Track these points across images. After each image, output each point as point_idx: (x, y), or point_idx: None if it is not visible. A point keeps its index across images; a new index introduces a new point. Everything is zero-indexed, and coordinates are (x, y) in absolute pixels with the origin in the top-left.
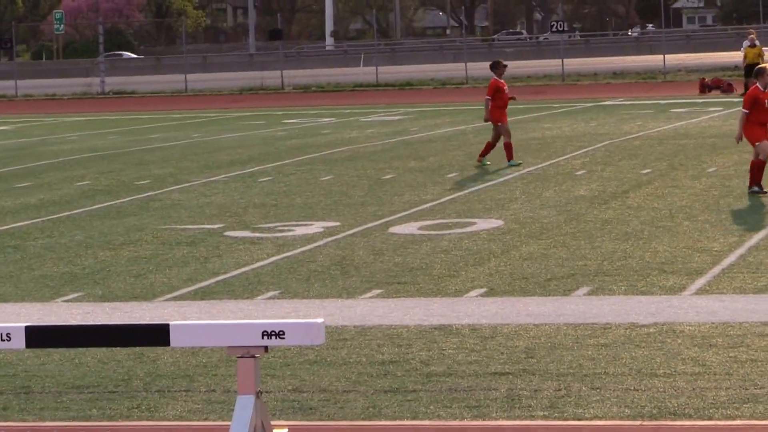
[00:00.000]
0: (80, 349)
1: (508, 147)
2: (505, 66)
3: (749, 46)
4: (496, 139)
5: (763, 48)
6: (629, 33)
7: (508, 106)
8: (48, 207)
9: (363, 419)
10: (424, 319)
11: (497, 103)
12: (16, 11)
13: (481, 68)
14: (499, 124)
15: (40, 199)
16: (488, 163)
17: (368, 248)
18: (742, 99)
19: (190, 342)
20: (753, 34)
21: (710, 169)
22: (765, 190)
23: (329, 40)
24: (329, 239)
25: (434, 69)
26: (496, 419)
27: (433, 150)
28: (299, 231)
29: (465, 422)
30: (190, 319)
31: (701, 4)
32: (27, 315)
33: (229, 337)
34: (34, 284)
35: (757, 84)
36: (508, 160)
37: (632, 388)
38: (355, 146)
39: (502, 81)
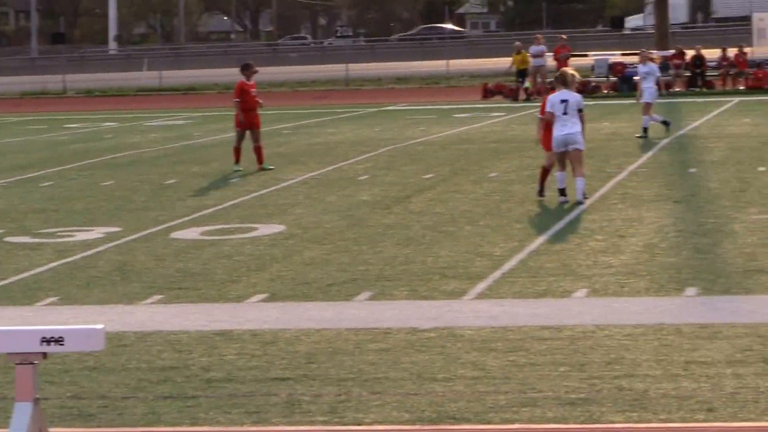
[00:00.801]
0: None
1: (257, 150)
2: (256, 71)
3: (515, 53)
4: (246, 140)
5: (548, 53)
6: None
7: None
8: None
9: (142, 425)
10: (205, 325)
11: (243, 106)
12: None
13: (267, 72)
14: (238, 129)
15: None
16: (241, 168)
17: (150, 254)
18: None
19: None
20: (519, 42)
21: (492, 174)
22: (544, 195)
23: (113, 45)
24: (110, 244)
25: (218, 74)
26: (276, 425)
27: (216, 155)
28: (80, 236)
29: (245, 428)
30: None
31: (485, 10)
32: None
33: (7, 343)
34: None
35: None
36: (260, 164)
37: (412, 392)
38: (137, 151)
39: (250, 83)
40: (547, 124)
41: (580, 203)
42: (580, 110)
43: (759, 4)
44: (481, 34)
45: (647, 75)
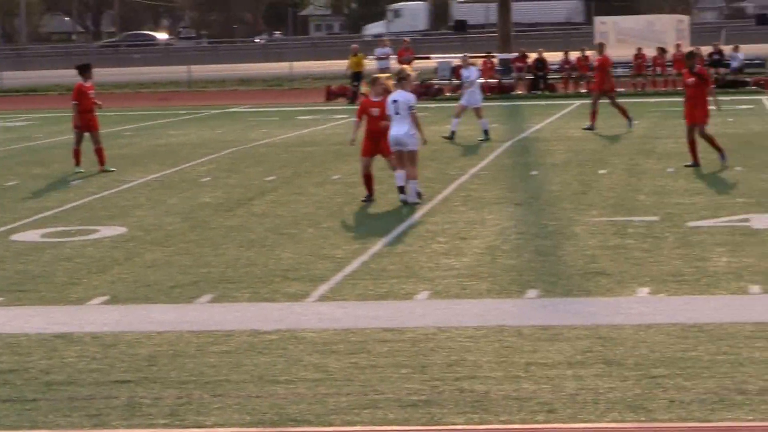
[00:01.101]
0: None
1: (98, 152)
2: (90, 73)
3: (352, 56)
4: (78, 143)
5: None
6: (256, 40)
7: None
8: None
9: None
10: (45, 328)
11: (81, 107)
12: None
13: (110, 73)
14: (76, 131)
15: None
16: (82, 170)
17: None
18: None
19: None
20: (356, 45)
21: (335, 177)
22: (372, 198)
23: None
24: None
25: (60, 75)
26: (116, 428)
27: (57, 157)
28: None
29: (84, 431)
30: None
31: (328, 12)
32: None
33: None
34: None
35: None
36: (101, 166)
37: (254, 395)
38: None
39: (87, 85)
40: (374, 130)
41: (415, 204)
42: (411, 109)
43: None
44: (325, 36)
45: (468, 79)
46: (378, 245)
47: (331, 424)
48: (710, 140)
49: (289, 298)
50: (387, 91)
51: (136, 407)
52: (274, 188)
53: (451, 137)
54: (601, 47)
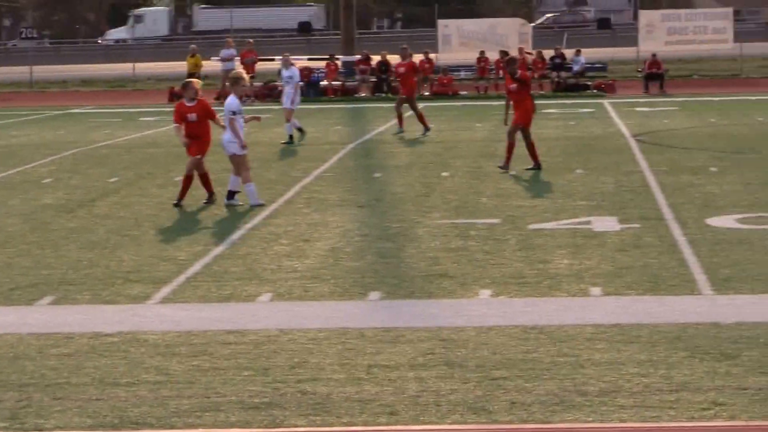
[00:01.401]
0: None
1: None
2: None
3: (190, 56)
4: None
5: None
6: (99, 41)
7: None
8: None
9: None
10: None
11: None
12: None
13: None
14: None
15: None
16: None
17: None
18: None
19: None
20: (194, 46)
21: (177, 178)
22: (180, 203)
23: None
24: None
25: None
26: None
27: None
28: None
29: None
30: None
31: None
32: None
33: None
34: None
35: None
36: None
37: (94, 397)
38: None
39: None
40: (192, 133)
41: (258, 205)
42: (233, 115)
43: (237, 18)
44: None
45: (289, 80)
46: (221, 247)
47: (172, 427)
48: (531, 147)
49: (131, 300)
50: (198, 95)
51: None
52: (117, 189)
53: (290, 141)
54: (404, 52)
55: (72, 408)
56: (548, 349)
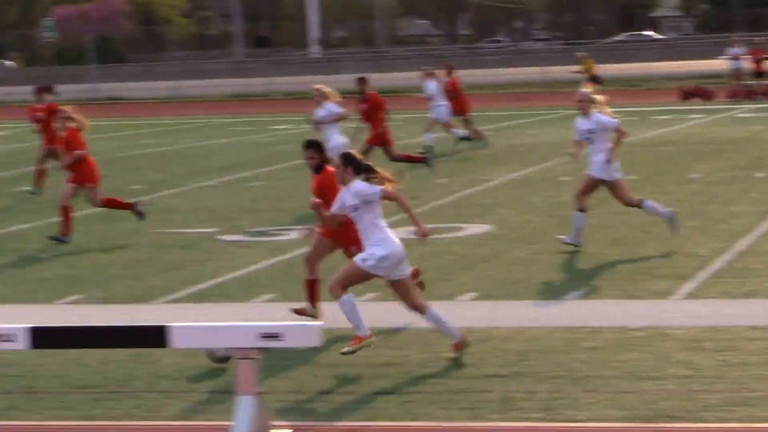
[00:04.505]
0: (82, 350)
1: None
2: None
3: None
4: None
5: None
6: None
7: None
8: (45, 211)
9: (362, 421)
10: (422, 322)
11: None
12: (6, 18)
13: (465, 75)
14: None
15: (38, 203)
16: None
17: None
18: None
19: (190, 343)
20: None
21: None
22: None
23: (314, 48)
24: None
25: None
26: (491, 421)
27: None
28: (293, 234)
29: (459, 423)
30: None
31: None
32: (26, 316)
33: (228, 339)
34: (34, 286)
35: None
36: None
37: (624, 390)
38: None
39: (40, 105)
40: None
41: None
42: None
43: None
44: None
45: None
46: (743, 243)
47: (703, 421)
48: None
49: (656, 295)
50: None
51: (509, 401)
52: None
53: None
54: None
55: (603, 400)
56: None
